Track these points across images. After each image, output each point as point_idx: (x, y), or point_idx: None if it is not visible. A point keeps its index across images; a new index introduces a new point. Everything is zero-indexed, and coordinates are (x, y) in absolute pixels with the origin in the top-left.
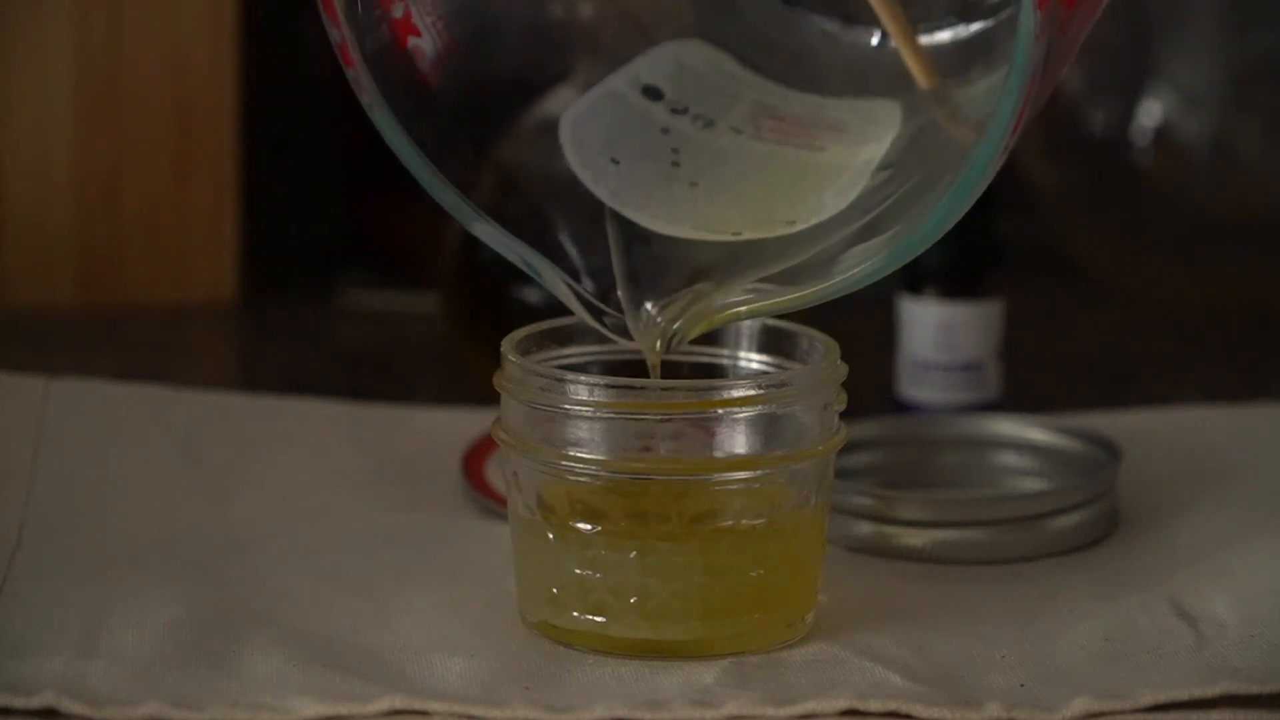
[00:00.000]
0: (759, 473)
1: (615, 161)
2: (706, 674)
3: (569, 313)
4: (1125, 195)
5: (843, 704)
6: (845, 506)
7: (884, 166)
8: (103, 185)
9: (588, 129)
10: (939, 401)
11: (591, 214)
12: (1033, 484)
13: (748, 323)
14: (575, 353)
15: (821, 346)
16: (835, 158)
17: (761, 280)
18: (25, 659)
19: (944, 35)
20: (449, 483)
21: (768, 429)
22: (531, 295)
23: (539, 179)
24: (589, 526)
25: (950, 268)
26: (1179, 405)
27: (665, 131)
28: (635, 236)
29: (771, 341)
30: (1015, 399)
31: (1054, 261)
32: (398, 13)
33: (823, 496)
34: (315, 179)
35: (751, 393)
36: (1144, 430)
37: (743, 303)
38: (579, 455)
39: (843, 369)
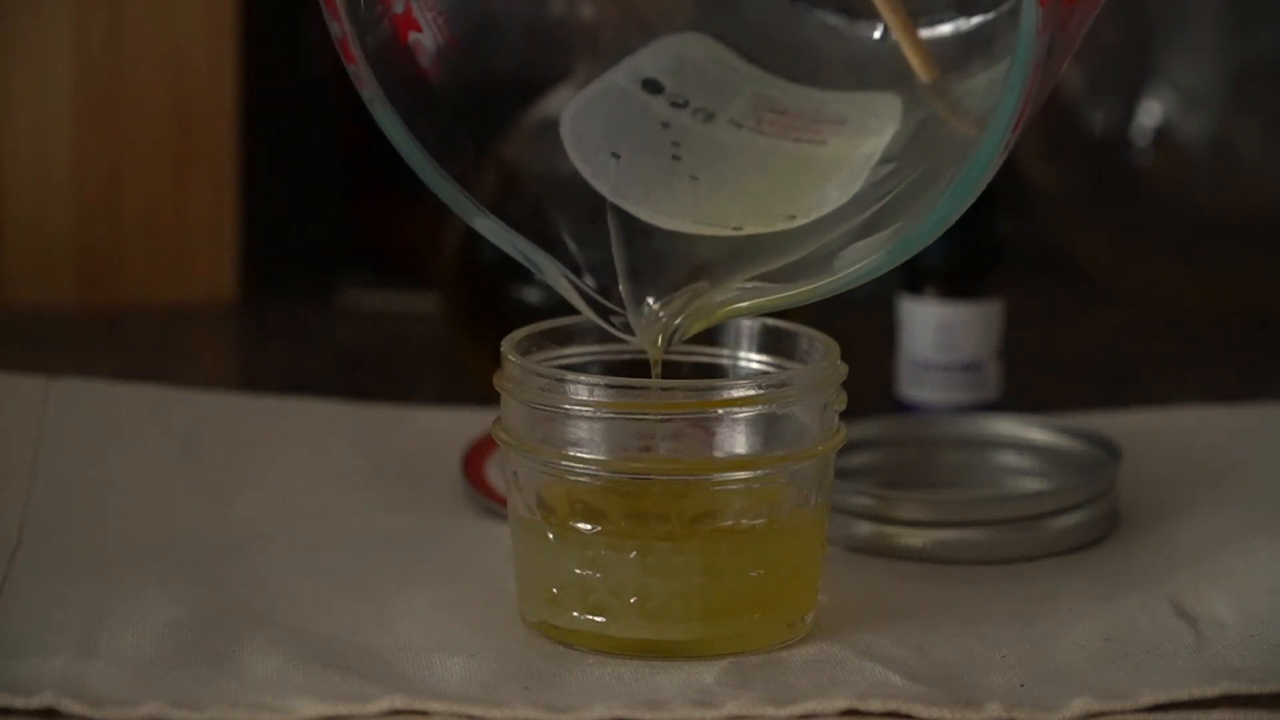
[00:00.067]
0: (759, 473)
1: (616, 156)
2: (706, 674)
3: (569, 313)
4: (1125, 195)
5: (843, 704)
6: (845, 506)
7: (885, 161)
8: (103, 185)
9: (588, 123)
10: (939, 401)
11: (592, 212)
12: (1033, 484)
13: (748, 323)
14: (575, 353)
15: (821, 346)
16: (836, 151)
17: (763, 276)
18: (25, 659)
19: (944, 29)
20: (449, 483)
21: (768, 429)
22: (531, 295)
23: (540, 177)
24: (589, 526)
25: (950, 268)
26: (1179, 405)
27: (666, 125)
28: (636, 232)
29: (771, 341)
30: (1015, 399)
31: (1054, 261)
32: (399, 8)
33: (823, 496)
34: (315, 179)
35: (751, 393)
36: (1144, 430)
37: (744, 298)
38: (579, 455)
39: (843, 369)
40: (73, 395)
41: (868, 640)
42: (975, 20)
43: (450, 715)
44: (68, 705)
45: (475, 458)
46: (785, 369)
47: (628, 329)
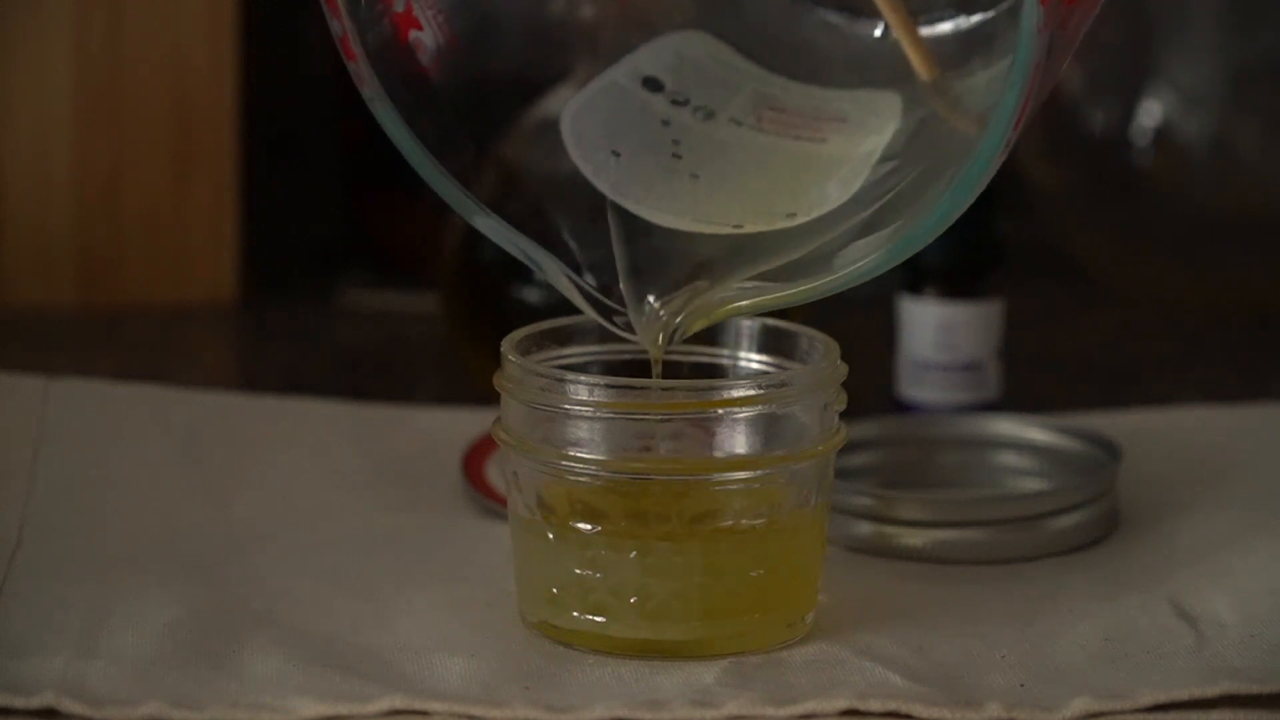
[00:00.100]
0: (759, 473)
1: (616, 154)
2: (706, 674)
3: (569, 312)
4: (1125, 195)
5: (843, 704)
6: (845, 506)
7: (886, 159)
8: (103, 185)
9: (588, 122)
10: (939, 401)
11: (592, 211)
12: (1033, 484)
13: (747, 322)
14: (575, 353)
15: (821, 346)
16: (837, 150)
17: (764, 275)
18: (25, 659)
19: (944, 27)
20: (449, 483)
21: (768, 429)
22: (531, 295)
23: (540, 176)
24: (589, 526)
25: (950, 268)
26: (1179, 405)
27: (666, 123)
28: (637, 230)
29: (771, 341)
30: (1015, 399)
31: (1054, 261)
32: (399, 6)
33: (823, 496)
34: (315, 179)
35: (751, 393)
36: (1144, 430)
37: (744, 297)
38: (579, 455)
39: (843, 369)
40: (73, 395)
41: (868, 640)
42: (975, 19)
43: (450, 715)
44: (68, 705)
45: (475, 458)
46: (785, 369)
47: (630, 328)
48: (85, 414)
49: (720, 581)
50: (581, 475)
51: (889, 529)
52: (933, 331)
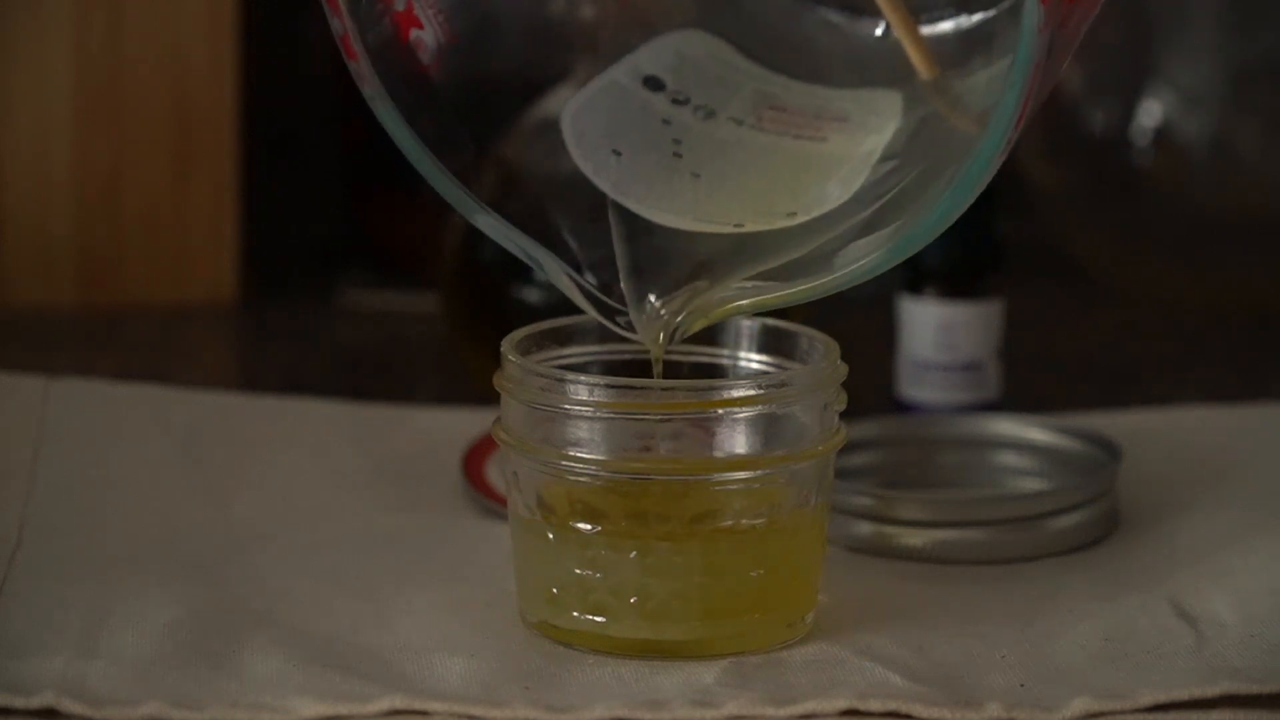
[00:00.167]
0: (759, 473)
1: (617, 153)
2: (706, 674)
3: (569, 312)
4: (1125, 195)
5: (843, 704)
6: (845, 506)
7: (887, 158)
8: (103, 185)
9: (589, 121)
10: (939, 401)
11: (593, 210)
12: (1033, 484)
13: (747, 322)
14: (575, 353)
15: (821, 346)
16: (837, 149)
17: (764, 274)
18: (25, 659)
19: (945, 26)
20: (449, 483)
21: (768, 429)
22: (532, 295)
23: (540, 176)
24: (589, 526)
25: (950, 268)
26: (1179, 405)
27: (666, 123)
28: (638, 229)
29: (771, 341)
30: (1015, 399)
31: (1054, 261)
32: (400, 5)
33: (823, 496)
34: (315, 179)
35: (751, 393)
36: (1144, 430)
37: (745, 296)
38: (579, 455)
39: (843, 369)
40: (73, 395)
41: (868, 640)
42: (976, 18)
43: (450, 715)
44: (68, 705)
45: (475, 458)
46: (785, 369)
47: (632, 327)
48: (85, 414)
49: (720, 581)
50: (581, 475)
51: (889, 529)
52: (933, 331)
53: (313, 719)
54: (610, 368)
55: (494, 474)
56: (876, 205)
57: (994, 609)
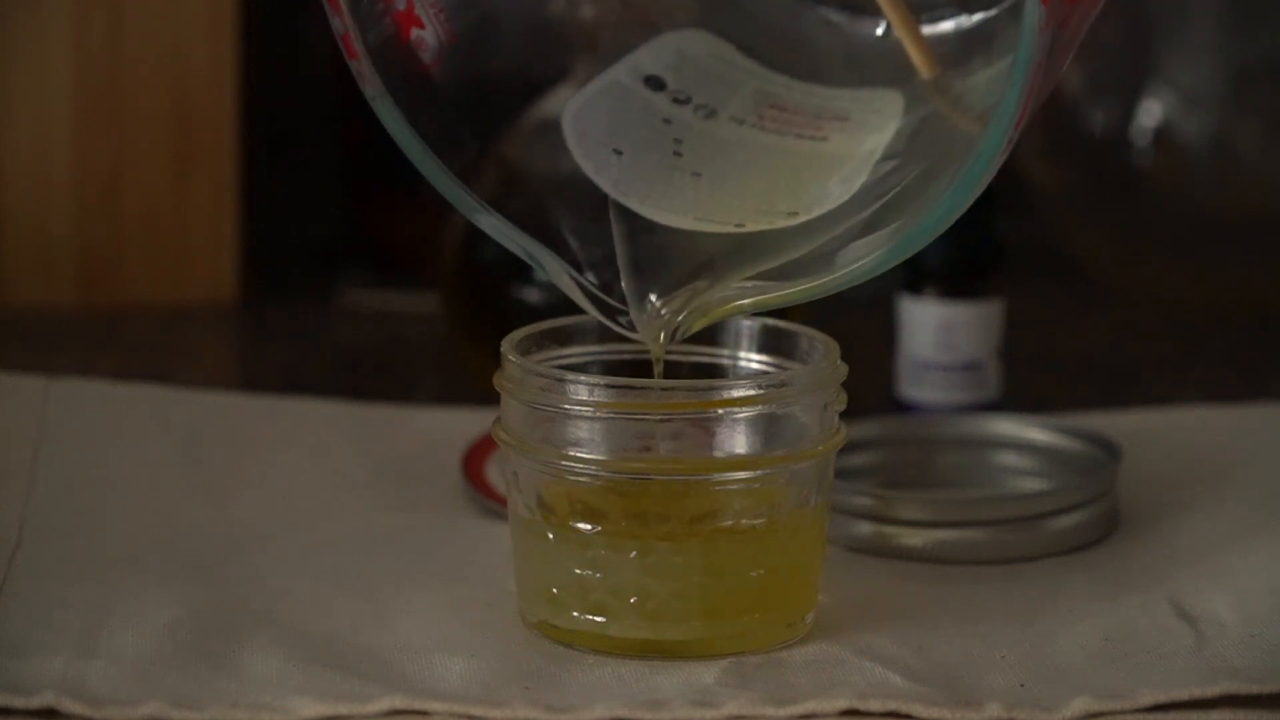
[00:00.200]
0: (759, 473)
1: (618, 153)
2: (706, 674)
3: (569, 312)
4: (1125, 195)
5: (843, 704)
6: (845, 506)
7: (888, 158)
8: (103, 185)
9: (590, 120)
10: (939, 401)
11: (594, 210)
12: (1033, 484)
13: (747, 322)
14: (575, 353)
15: (821, 346)
16: (838, 148)
17: (765, 273)
18: (25, 659)
19: (946, 25)
20: (449, 483)
21: (768, 429)
22: (532, 295)
23: (541, 176)
24: (589, 526)
25: (950, 268)
26: (1179, 405)
27: (667, 122)
28: (639, 228)
29: (771, 341)
30: (1015, 399)
31: (1054, 261)
32: (401, 5)
33: (823, 496)
34: (315, 179)
35: (751, 393)
36: (1144, 430)
37: (746, 296)
38: (579, 455)
39: (843, 369)
40: (73, 395)
41: (868, 640)
42: (977, 17)
43: (450, 715)
44: (68, 705)
45: (475, 458)
46: (785, 369)
47: (633, 327)
48: (85, 414)
49: (720, 581)
50: (581, 475)
51: (889, 529)
52: (933, 331)
53: (313, 719)
54: (610, 368)
55: (494, 474)
56: (877, 205)
57: (994, 609)
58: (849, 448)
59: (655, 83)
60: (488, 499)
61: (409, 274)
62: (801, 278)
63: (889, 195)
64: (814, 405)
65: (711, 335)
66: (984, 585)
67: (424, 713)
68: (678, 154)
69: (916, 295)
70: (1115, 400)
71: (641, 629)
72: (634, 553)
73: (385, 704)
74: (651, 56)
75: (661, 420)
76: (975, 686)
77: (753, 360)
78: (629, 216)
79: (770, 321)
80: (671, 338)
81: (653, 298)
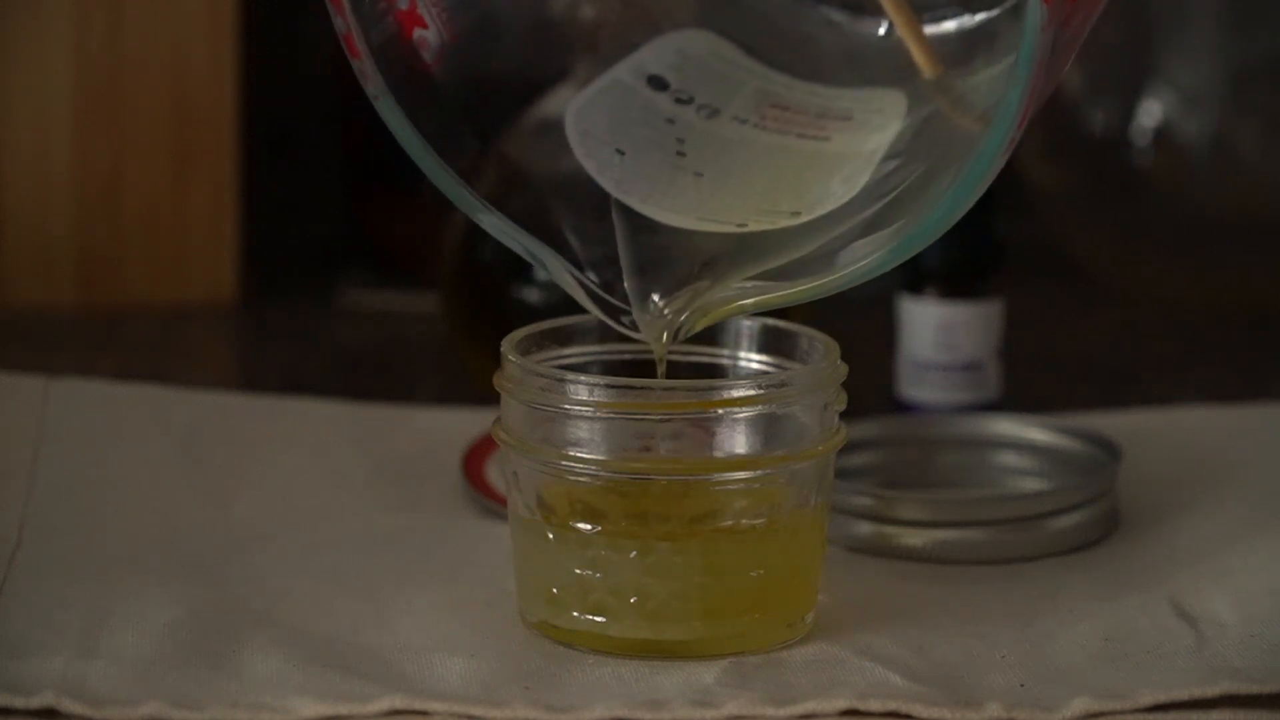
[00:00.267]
0: (759, 473)
1: (620, 152)
2: (706, 674)
3: (569, 312)
4: (1125, 195)
5: (843, 704)
6: (845, 506)
7: (890, 157)
8: (103, 185)
9: (592, 120)
10: (939, 401)
11: (595, 209)
12: (1033, 484)
13: (747, 322)
14: (575, 353)
15: (821, 346)
16: (840, 147)
17: (768, 273)
18: (25, 659)
19: (948, 25)
20: (449, 483)
21: (768, 429)
22: (532, 295)
23: (543, 176)
24: (589, 526)
25: (950, 268)
26: (1179, 405)
27: (670, 121)
28: (641, 228)
29: (771, 341)
30: (1015, 399)
31: (1054, 261)
32: (403, 4)
33: (823, 496)
34: (315, 179)
35: (751, 393)
36: (1144, 430)
37: (748, 295)
38: (579, 455)
39: (843, 369)
40: (73, 395)
41: (868, 640)
42: (979, 17)
43: (450, 715)
44: (68, 705)
45: (475, 458)
46: (785, 369)
47: (635, 326)
48: (85, 414)
49: (720, 581)
50: (581, 475)
51: (889, 529)
52: (933, 331)
53: (313, 719)
54: (610, 368)
55: (494, 474)
56: (880, 204)
57: (994, 609)
58: (849, 448)
59: (658, 82)
60: (488, 499)
61: (409, 274)
62: (803, 277)
63: (891, 195)
64: (814, 405)
65: (711, 335)
66: (984, 585)
67: (424, 713)
68: (680, 154)
69: (916, 295)
70: (1115, 400)
71: (641, 629)
72: (634, 553)
73: (385, 704)
74: (654, 56)
75: (661, 420)
76: (975, 686)
77: (753, 360)
78: (631, 216)
79: (770, 321)
80: (674, 337)
81: (655, 297)
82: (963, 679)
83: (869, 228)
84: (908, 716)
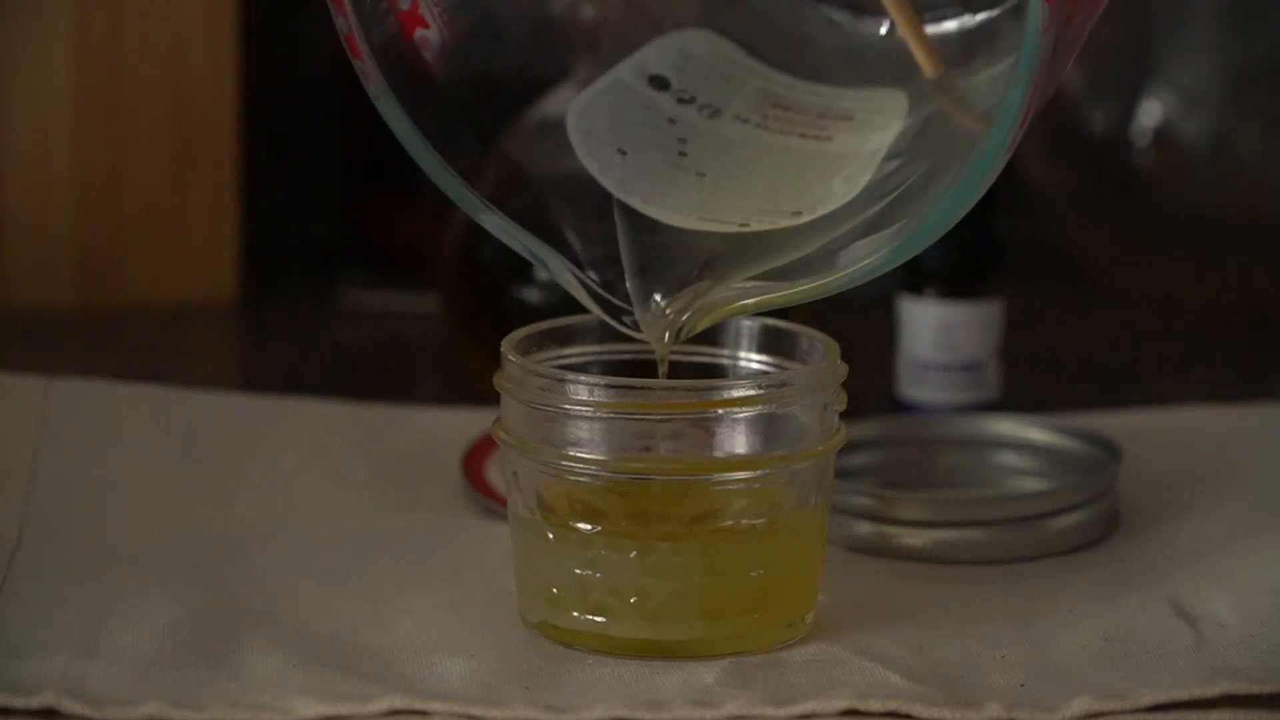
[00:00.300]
0: (759, 473)
1: (622, 152)
2: (706, 674)
3: (569, 312)
4: (1125, 195)
5: (843, 704)
6: (845, 506)
7: (892, 156)
8: (103, 185)
9: (594, 119)
10: (939, 401)
11: (597, 209)
12: (1033, 484)
13: (747, 322)
14: (575, 353)
15: (821, 346)
16: (842, 147)
17: (769, 273)
18: (25, 659)
19: (949, 25)
20: (449, 483)
21: (768, 429)
22: (532, 295)
23: (544, 175)
24: (589, 526)
25: (950, 268)
26: (1179, 405)
27: (672, 121)
28: (643, 227)
29: (771, 341)
30: (1015, 399)
31: (1054, 261)
32: (405, 4)
33: (823, 496)
34: (315, 179)
35: (751, 393)
36: (1144, 430)
37: (750, 295)
38: (579, 455)
39: (843, 369)
40: (73, 395)
41: (868, 640)
42: (980, 16)
43: (450, 715)
44: (68, 705)
45: (475, 458)
46: (785, 369)
47: (638, 326)
48: (85, 414)
49: (720, 581)
50: (581, 475)
51: (889, 529)
52: (933, 331)
53: (313, 719)
54: (610, 368)
55: (494, 474)
56: (881, 204)
57: (994, 609)
58: (849, 448)
59: (659, 82)
60: (488, 499)
61: (409, 274)
62: (805, 277)
63: (892, 195)
64: (814, 405)
65: (711, 335)
66: (984, 585)
67: (424, 713)
68: (682, 153)
69: (916, 295)
70: (1115, 400)
71: (641, 629)
72: (634, 553)
73: (385, 704)
74: (656, 56)
75: (661, 420)
76: (975, 686)
77: (753, 360)
78: (633, 216)
79: (770, 321)
80: (676, 337)
81: (657, 297)
82: (963, 679)
83: (870, 228)
84: (908, 716)
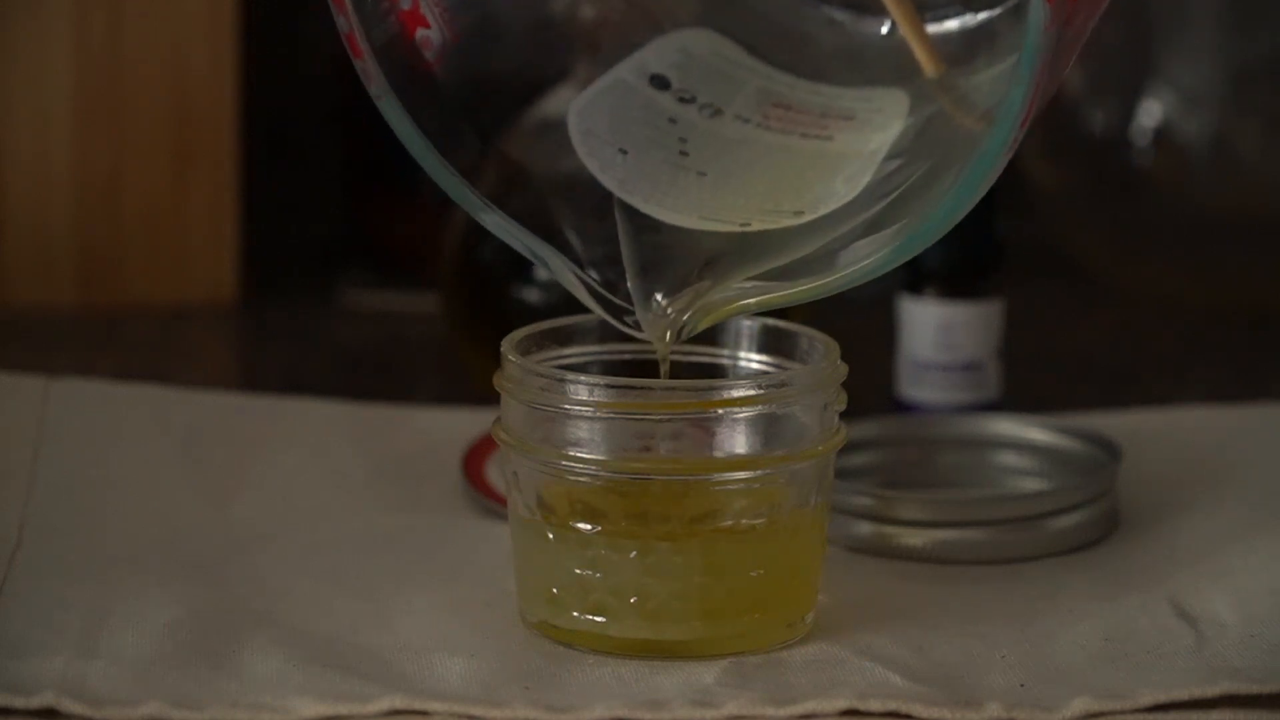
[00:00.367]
0: (759, 473)
1: (623, 151)
2: (706, 674)
3: (569, 312)
4: (1125, 195)
5: (843, 704)
6: (845, 506)
7: (893, 156)
8: (103, 185)
9: (595, 119)
10: (939, 401)
11: (597, 209)
12: (1033, 484)
13: (747, 322)
14: (575, 353)
15: (821, 346)
16: (843, 147)
17: (770, 273)
18: (25, 659)
19: (950, 24)
20: (449, 483)
21: (768, 429)
22: (532, 295)
23: (543, 175)
24: (589, 526)
25: (950, 268)
26: (1179, 405)
27: (673, 121)
28: (644, 227)
29: (771, 341)
30: (1015, 399)
31: (1054, 261)
32: (406, 4)
33: (823, 496)
34: (315, 179)
35: (751, 393)
36: (1144, 430)
37: (751, 295)
38: (579, 455)
39: (843, 369)
40: (73, 395)
41: (868, 640)
42: (981, 16)
43: (450, 715)
44: (68, 705)
45: (475, 458)
46: (785, 369)
47: (639, 326)
48: (85, 414)
49: (720, 581)
50: (581, 475)
51: (889, 529)
52: (933, 331)
53: (313, 719)
54: (610, 368)
55: (494, 474)
56: (882, 204)
57: (994, 609)
58: (849, 448)
59: (660, 81)
60: (488, 499)
61: (409, 274)
62: (806, 277)
63: (893, 194)
64: (814, 405)
65: (711, 335)
66: (984, 585)
67: (424, 713)
68: (683, 153)
69: (917, 295)
70: (1115, 400)
71: (641, 629)
72: (634, 553)
73: (385, 704)
74: (656, 55)
75: (661, 420)
76: (975, 686)
77: (753, 360)
78: (634, 215)
79: (770, 321)
80: (677, 337)
81: (658, 297)
82: (963, 679)
83: (871, 227)
84: (908, 716)
